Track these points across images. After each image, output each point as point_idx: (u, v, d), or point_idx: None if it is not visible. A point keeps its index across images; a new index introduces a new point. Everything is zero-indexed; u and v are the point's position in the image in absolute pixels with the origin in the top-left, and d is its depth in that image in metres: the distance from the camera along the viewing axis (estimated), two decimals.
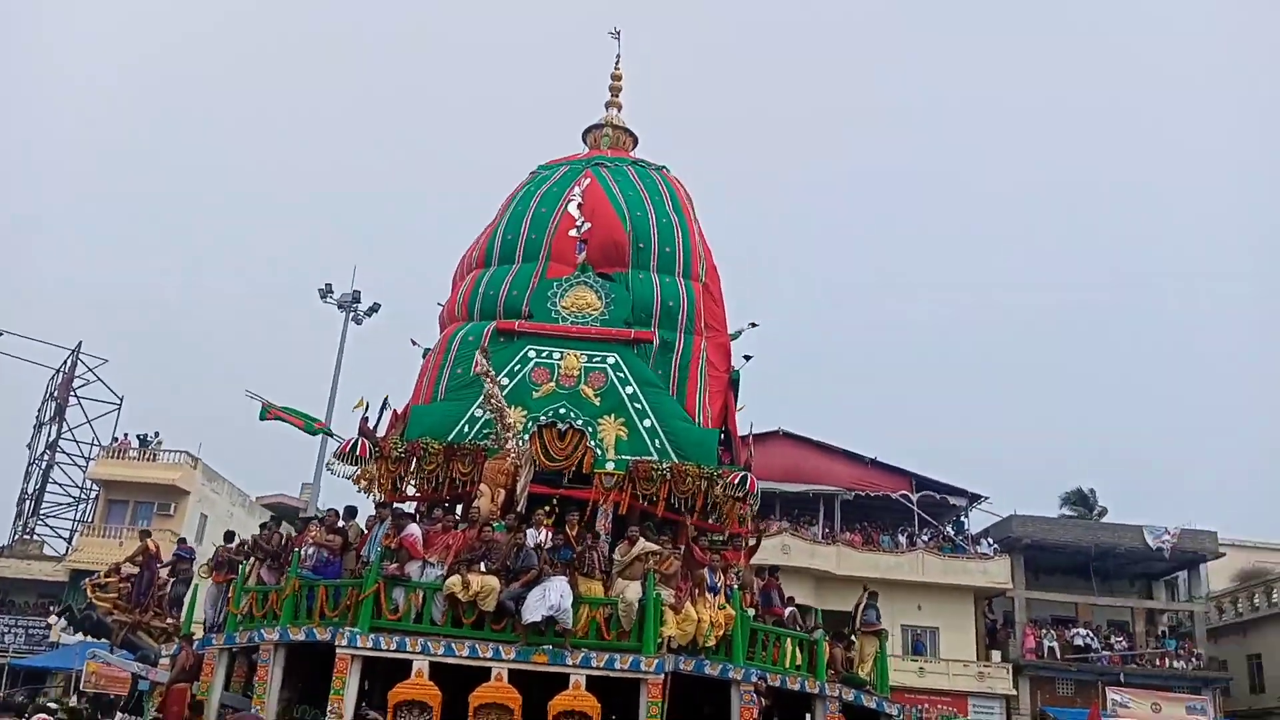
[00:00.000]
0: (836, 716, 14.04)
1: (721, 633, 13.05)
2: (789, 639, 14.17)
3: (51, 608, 31.86)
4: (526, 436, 14.39)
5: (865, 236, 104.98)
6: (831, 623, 32.42)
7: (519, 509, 13.65)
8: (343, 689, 11.79)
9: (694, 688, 13.30)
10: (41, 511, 41.83)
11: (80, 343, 43.94)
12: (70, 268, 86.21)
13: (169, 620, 14.52)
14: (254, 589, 13.38)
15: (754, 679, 12.97)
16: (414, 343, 16.67)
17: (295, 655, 12.73)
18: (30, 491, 42.41)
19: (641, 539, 13.04)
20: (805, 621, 17.22)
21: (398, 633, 12.08)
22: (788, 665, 13.94)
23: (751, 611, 14.43)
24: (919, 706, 33.20)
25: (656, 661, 12.16)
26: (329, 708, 11.71)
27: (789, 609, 15.99)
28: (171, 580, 15.19)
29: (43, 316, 61.21)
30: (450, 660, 12.00)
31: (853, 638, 15.49)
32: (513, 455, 13.65)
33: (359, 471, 14.42)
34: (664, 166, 18.27)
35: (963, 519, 40.01)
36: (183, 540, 15.15)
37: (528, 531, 12.96)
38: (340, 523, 13.73)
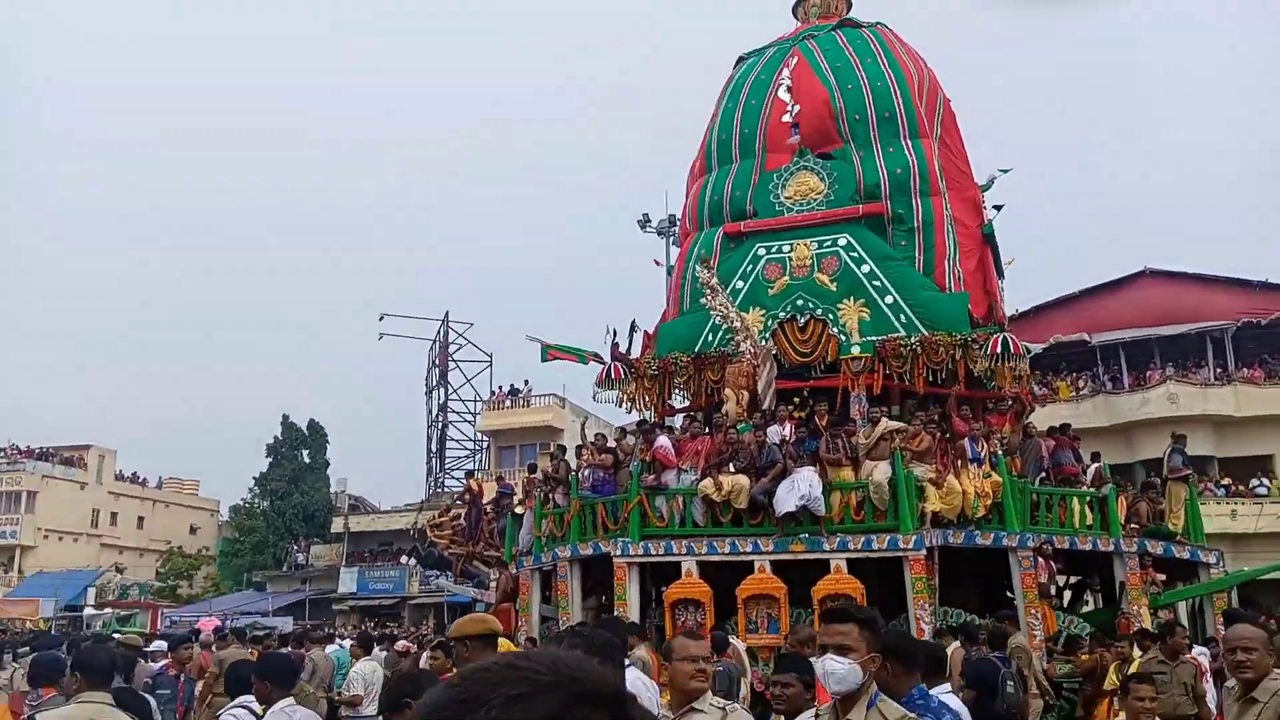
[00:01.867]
0: (1142, 571, 13.10)
1: (990, 501, 12.62)
2: (1075, 498, 13.35)
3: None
4: (769, 335, 14.57)
5: None
6: (1240, 471, 29.70)
7: (766, 407, 13.93)
8: (625, 594, 12.89)
9: (974, 557, 13.03)
10: (446, 465, 47.89)
11: (447, 312, 49.30)
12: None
13: (498, 550, 16.50)
14: (551, 512, 14.84)
15: (1031, 543, 12.45)
16: (656, 263, 17.27)
17: (592, 567, 14.02)
18: (434, 450, 48.73)
19: (884, 419, 12.88)
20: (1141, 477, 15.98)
21: (665, 537, 12.96)
22: (1077, 525, 13.18)
23: (1038, 476, 13.78)
24: None
25: (915, 538, 12.06)
26: (616, 611, 12.85)
27: (1094, 465, 15.01)
28: (498, 513, 17.19)
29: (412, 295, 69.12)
30: (714, 558, 12.71)
31: (1161, 487, 14.21)
32: (748, 357, 13.91)
33: (620, 393, 15.37)
34: (878, 23, 17.16)
35: None
36: (500, 478, 17.05)
37: (770, 429, 13.22)
38: (610, 442, 14.77)
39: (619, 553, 13.02)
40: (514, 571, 15.00)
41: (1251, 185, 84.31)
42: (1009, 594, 12.90)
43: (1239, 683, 4.34)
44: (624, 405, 15.54)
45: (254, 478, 52.69)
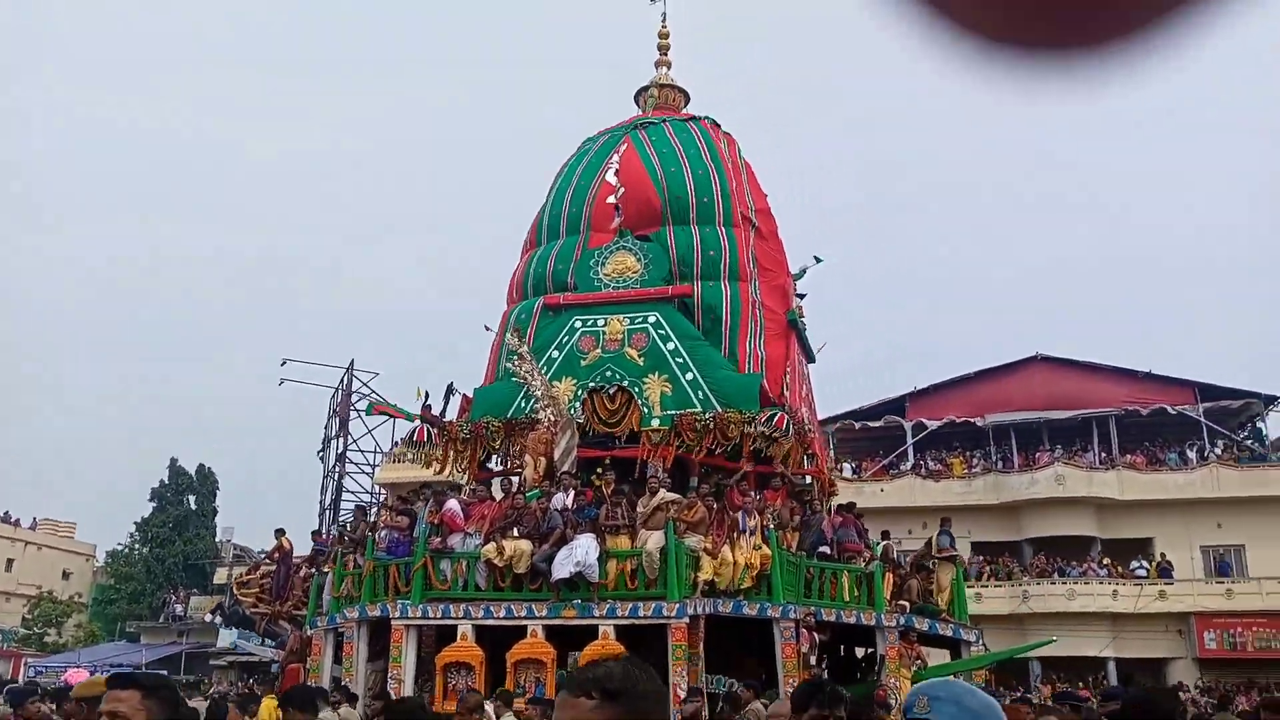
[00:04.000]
0: (906, 645, 13.76)
1: (757, 572, 13.20)
2: (845, 573, 14.02)
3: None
4: (579, 404, 15.12)
5: None
6: (1120, 553, 30.91)
7: (564, 472, 14.40)
8: (400, 657, 13.13)
9: (742, 627, 13.55)
10: (340, 519, 47.12)
11: (352, 360, 48.85)
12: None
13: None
14: (350, 573, 15.03)
15: (793, 615, 13.03)
16: (487, 328, 17.73)
17: (384, 630, 14.21)
18: (328, 503, 47.99)
19: (662, 490, 13.43)
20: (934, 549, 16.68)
21: (444, 600, 13.25)
22: (846, 599, 13.83)
23: (818, 551, 14.42)
24: (1231, 630, 30.42)
25: (678, 606, 12.54)
26: (389, 675, 13.08)
27: (884, 542, 15.77)
28: (313, 571, 17.26)
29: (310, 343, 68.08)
30: (490, 622, 13.03)
31: (930, 566, 14.99)
32: (545, 424, 14.42)
33: (427, 454, 15.73)
34: (704, 118, 18.25)
35: (1260, 424, 35.08)
36: (316, 533, 17.19)
37: (555, 496, 13.69)
38: (408, 505, 15.08)
39: (398, 615, 13.27)
40: (308, 632, 15.11)
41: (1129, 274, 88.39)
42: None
43: None
44: (433, 467, 15.87)
45: (135, 523, 51.32)
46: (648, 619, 12.65)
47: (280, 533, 17.20)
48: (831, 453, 34.96)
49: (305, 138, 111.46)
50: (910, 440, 34.26)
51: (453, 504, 13.91)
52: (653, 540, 13.02)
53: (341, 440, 48.34)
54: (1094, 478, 32.08)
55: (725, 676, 13.06)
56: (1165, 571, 30.62)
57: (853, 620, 13.66)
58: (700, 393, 15.01)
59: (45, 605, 48.90)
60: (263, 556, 17.50)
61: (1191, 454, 33.15)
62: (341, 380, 49.62)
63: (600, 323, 15.93)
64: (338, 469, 48.34)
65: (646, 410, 15.04)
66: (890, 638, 13.56)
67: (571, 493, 13.69)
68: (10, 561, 52.59)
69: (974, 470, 33.54)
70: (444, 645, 13.64)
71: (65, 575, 54.39)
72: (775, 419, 14.17)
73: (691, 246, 16.33)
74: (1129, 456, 33.05)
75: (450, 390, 16.09)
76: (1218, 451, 33.00)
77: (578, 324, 16.04)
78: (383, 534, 14.49)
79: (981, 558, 32.40)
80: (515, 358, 14.71)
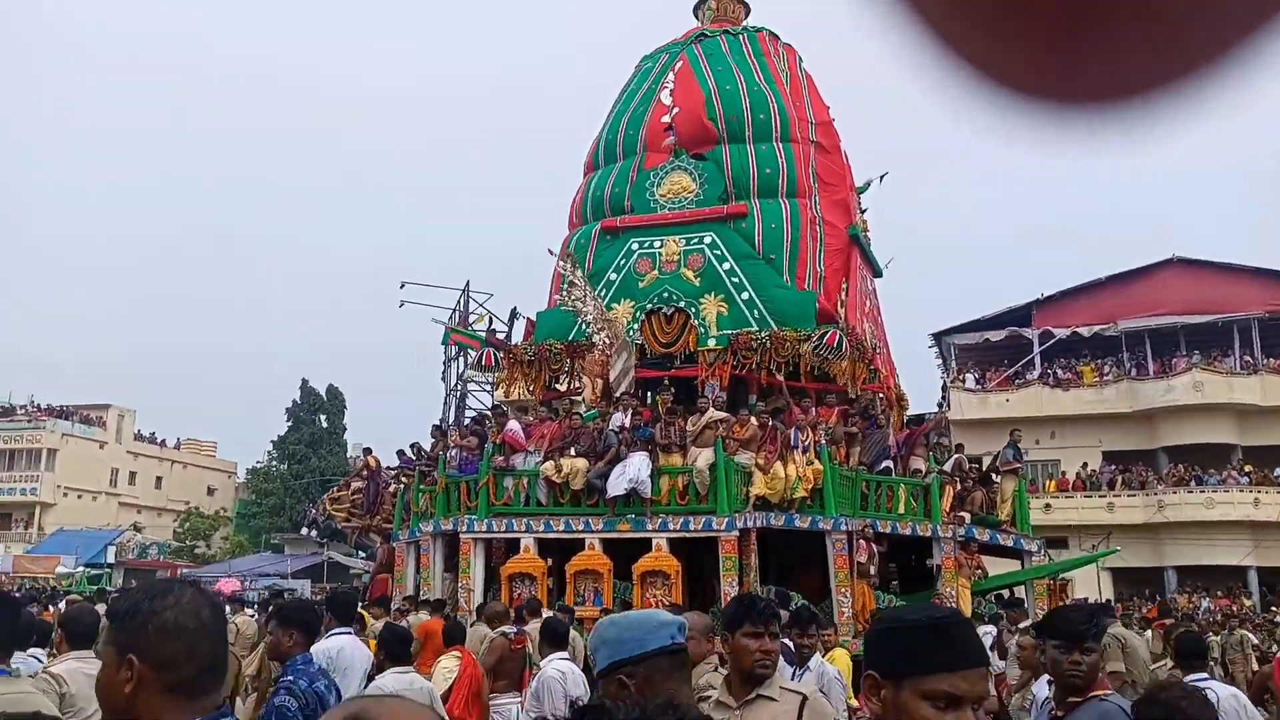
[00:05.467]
0: (967, 555, 13.86)
1: (811, 486, 13.43)
2: (901, 486, 14.11)
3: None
4: (636, 326, 15.44)
5: None
6: (1263, 460, 29.90)
7: (620, 394, 14.82)
8: (469, 568, 13.96)
9: (801, 540, 13.85)
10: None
11: (468, 281, 50.14)
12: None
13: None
14: (426, 489, 15.91)
15: (845, 527, 13.26)
16: (550, 252, 18.12)
17: (457, 542, 15.06)
18: (451, 420, 49.80)
19: (711, 408, 13.72)
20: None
21: (507, 515, 13.98)
22: (902, 511, 13.96)
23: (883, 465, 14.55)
24: None
25: (727, 520, 12.94)
26: (459, 585, 13.93)
27: (956, 455, 15.76)
28: (402, 485, 18.27)
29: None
30: (550, 535, 13.70)
31: (994, 479, 14.92)
32: (600, 347, 14.81)
33: (495, 377, 16.35)
34: (762, 30, 17.84)
35: None
36: (401, 452, 18.12)
37: (613, 416, 14.14)
38: (478, 426, 15.80)
39: (465, 529, 14.07)
40: (392, 545, 16.13)
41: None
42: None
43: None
44: (502, 389, 16.50)
45: (272, 441, 54.56)
46: (698, 532, 13.10)
47: (368, 451, 18.24)
48: (953, 364, 34.44)
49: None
50: (1037, 349, 33.30)
51: (514, 424, 14.53)
52: (703, 457, 13.38)
53: (461, 360, 50.11)
54: (1234, 383, 31.04)
55: (781, 587, 13.44)
56: None
57: (909, 532, 13.80)
58: (756, 312, 15.12)
59: (194, 519, 52.37)
60: (354, 472, 18.55)
61: None
62: (458, 302, 51.12)
63: (657, 244, 16.11)
64: (459, 387, 50.17)
65: (703, 330, 15.25)
66: (946, 548, 13.66)
67: (629, 413, 14.10)
68: (159, 479, 56.76)
69: (1106, 379, 32.66)
70: (511, 557, 14.44)
71: (210, 491, 58.40)
72: (827, 337, 14.18)
73: (747, 165, 16.24)
74: (1272, 361, 31.70)
75: (514, 314, 16.61)
76: None
77: (634, 246, 16.25)
78: (454, 453, 15.26)
79: (1114, 467, 31.81)
80: (567, 285, 15.06)
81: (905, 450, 15.18)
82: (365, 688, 6.10)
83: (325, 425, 55.25)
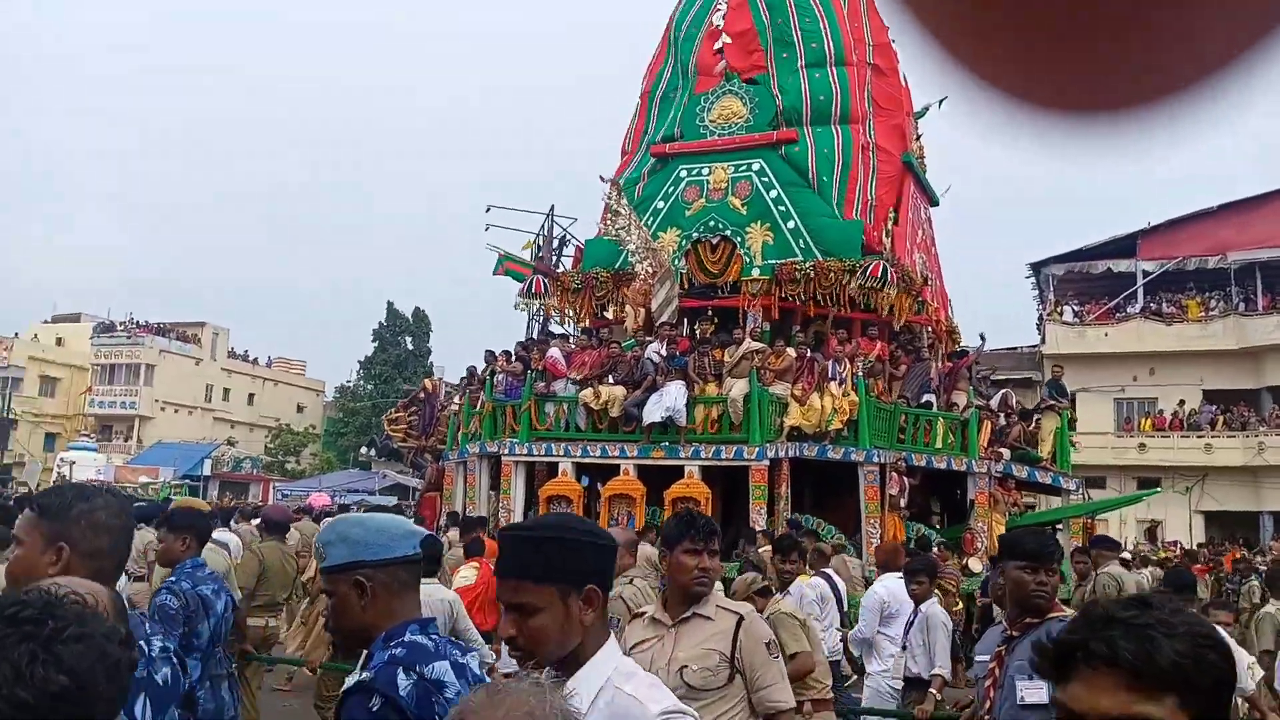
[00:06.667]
0: (1005, 492, 13.74)
1: (847, 418, 13.41)
2: (940, 420, 13.98)
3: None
4: (683, 254, 15.44)
5: None
6: None
7: (662, 322, 14.90)
8: (510, 489, 14.37)
9: (834, 471, 13.89)
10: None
11: (553, 206, 50.48)
12: None
13: None
14: (476, 412, 16.32)
15: (877, 459, 13.24)
16: (602, 178, 18.08)
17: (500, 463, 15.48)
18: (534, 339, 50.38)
19: (747, 339, 13.72)
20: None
21: (547, 440, 14.30)
22: (939, 445, 13.86)
23: (925, 398, 14.42)
24: None
25: (758, 450, 13.03)
26: (500, 505, 14.37)
27: (1002, 391, 15.54)
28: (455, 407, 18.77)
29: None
30: (587, 460, 14.00)
31: (1036, 416, 14.65)
32: (641, 277, 14.86)
33: (543, 305, 16.56)
34: None
35: None
36: (463, 377, 18.59)
37: (651, 345, 14.25)
38: (524, 352, 16.09)
39: (507, 452, 14.45)
40: (441, 464, 16.66)
41: None
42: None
43: None
44: (553, 316, 16.71)
45: (359, 361, 56.06)
46: (729, 461, 13.23)
47: (428, 374, 18.74)
48: (1050, 296, 33.28)
49: None
50: (1140, 281, 31.97)
51: (554, 351, 14.77)
52: (737, 388, 13.44)
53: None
54: None
55: (813, 516, 13.53)
56: None
57: (943, 465, 13.71)
58: (801, 241, 14.95)
59: (285, 436, 54.31)
60: (413, 394, 19.12)
61: None
62: (541, 226, 51.52)
63: (705, 171, 15.97)
64: (540, 314, 50.74)
65: (748, 260, 15.16)
66: (980, 483, 13.56)
67: (666, 342, 14.20)
68: (251, 396, 58.95)
69: (1212, 313, 31.19)
70: (550, 480, 14.81)
71: (299, 409, 60.42)
72: (871, 268, 13.98)
73: (800, 91, 15.89)
74: None
75: (564, 241, 16.72)
76: None
77: (683, 174, 16.13)
78: (500, 378, 15.60)
79: (1214, 407, 30.54)
80: (611, 214, 15.08)
81: (948, 383, 14.98)
82: None
83: (410, 348, 56.41)
